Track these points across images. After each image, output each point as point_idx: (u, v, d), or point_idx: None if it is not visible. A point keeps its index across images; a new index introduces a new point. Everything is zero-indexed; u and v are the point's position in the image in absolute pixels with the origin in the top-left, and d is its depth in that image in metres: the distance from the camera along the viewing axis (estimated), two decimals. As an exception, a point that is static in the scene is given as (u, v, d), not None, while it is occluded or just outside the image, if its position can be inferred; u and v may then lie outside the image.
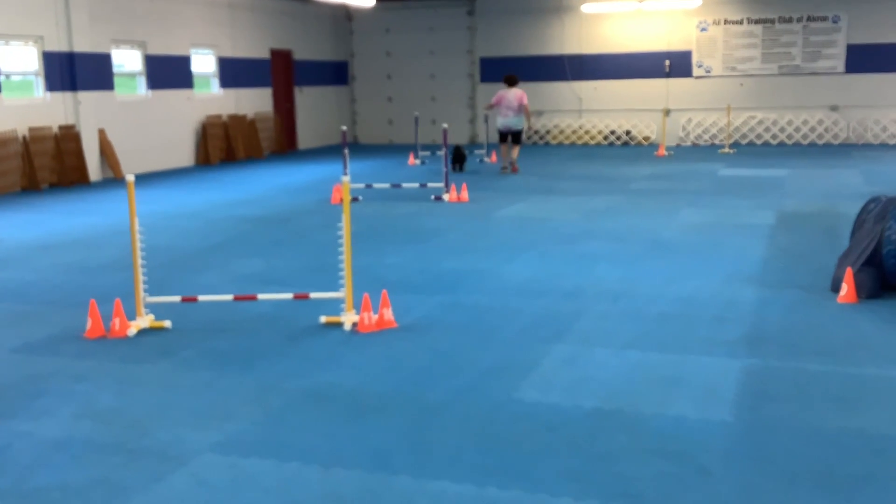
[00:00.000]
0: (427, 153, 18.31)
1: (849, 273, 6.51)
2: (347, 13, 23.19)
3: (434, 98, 22.73)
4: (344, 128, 13.00)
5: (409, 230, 10.08)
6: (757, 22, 19.80)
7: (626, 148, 20.57)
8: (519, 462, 3.94)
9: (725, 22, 20.03)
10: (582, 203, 11.89)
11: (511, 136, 15.49)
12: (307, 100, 21.93)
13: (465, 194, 12.34)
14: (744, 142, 20.27)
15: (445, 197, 12.29)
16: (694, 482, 3.73)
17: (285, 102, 21.26)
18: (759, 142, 20.14)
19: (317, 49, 22.32)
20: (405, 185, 12.99)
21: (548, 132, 21.95)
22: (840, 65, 19.27)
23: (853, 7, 19.06)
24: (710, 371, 5.12)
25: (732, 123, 20.06)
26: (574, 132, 21.75)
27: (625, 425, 4.35)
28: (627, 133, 21.31)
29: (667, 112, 20.57)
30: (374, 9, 22.22)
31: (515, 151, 15.56)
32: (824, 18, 19.30)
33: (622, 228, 9.92)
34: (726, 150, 18.88)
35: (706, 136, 20.64)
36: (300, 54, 21.65)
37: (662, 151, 18.57)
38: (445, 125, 13.12)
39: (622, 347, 5.60)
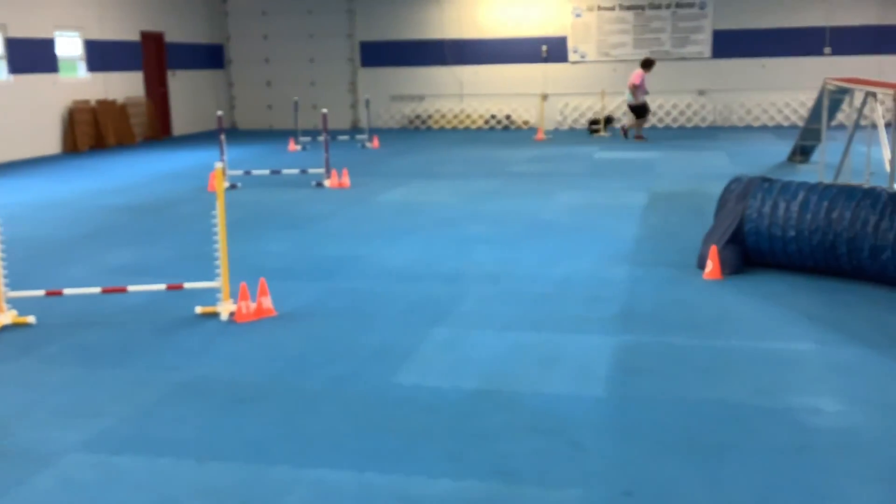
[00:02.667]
0: (308, 139, 18.07)
1: (713, 251, 6.80)
2: (222, -5, 22.59)
3: (314, 83, 22.42)
4: (220, 113, 12.66)
5: (290, 217, 9.93)
6: (628, 8, 20.39)
7: (506, 132, 20.87)
8: (398, 446, 3.95)
9: (599, 8, 20.54)
10: (463, 186, 11.99)
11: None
12: (181, 84, 21.26)
13: (346, 180, 12.25)
14: (618, 125, 20.88)
15: (326, 183, 12.17)
16: (567, 456, 3.84)
17: (158, 87, 20.54)
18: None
19: (190, 31, 21.64)
20: (285, 171, 12.79)
21: (429, 117, 22.02)
22: (707, 50, 20.08)
23: (721, -5, 19.94)
24: (585, 349, 5.26)
25: (607, 107, 20.63)
26: (455, 116, 21.89)
27: (503, 405, 4.43)
28: (507, 117, 21.61)
29: (545, 96, 20.96)
30: (250, -10, 21.74)
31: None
32: (691, 5, 20.06)
33: (502, 211, 10.06)
34: (602, 133, 19.40)
35: (583, 120, 21.15)
36: (172, 37, 20.94)
37: (541, 135, 18.93)
38: (325, 110, 12.96)
39: (501, 329, 5.69)
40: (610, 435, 4.06)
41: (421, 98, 22.04)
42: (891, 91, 7.24)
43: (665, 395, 4.53)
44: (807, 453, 3.83)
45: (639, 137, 17.58)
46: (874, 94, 8.83)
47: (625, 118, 19.07)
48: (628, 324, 5.73)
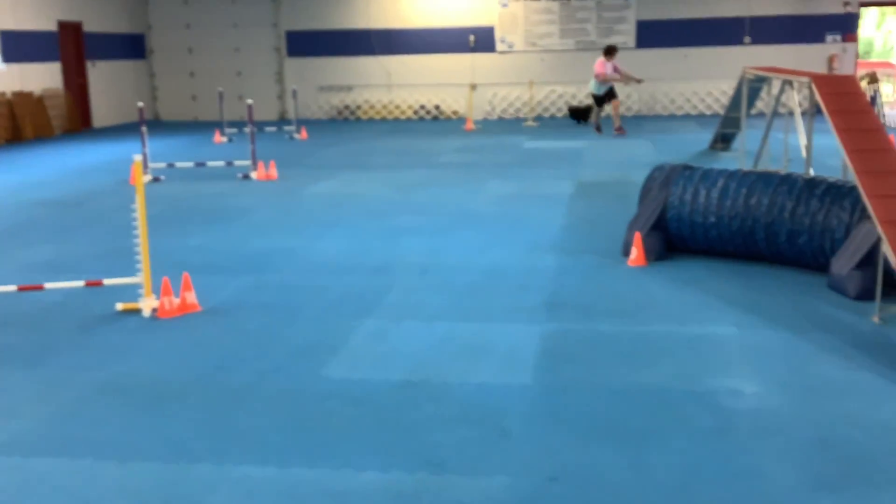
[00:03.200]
0: (234, 130, 17.78)
1: (637, 238, 6.91)
2: (142, -17, 22.02)
3: (240, 73, 22.04)
4: (140, 104, 12.35)
5: (215, 210, 9.75)
6: (555, -1, 20.58)
7: (435, 122, 20.86)
8: (325, 440, 3.92)
9: (525, -2, 20.68)
10: (392, 177, 11.94)
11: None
12: (101, 75, 20.67)
13: (273, 172, 12.09)
14: (546, 115, 21.05)
15: (253, 175, 11.99)
16: (495, 445, 3.86)
17: (77, 78, 19.92)
18: (560, 115, 20.97)
19: (110, 21, 21.04)
20: (210, 163, 12.55)
21: (358, 107, 21.87)
22: (631, 40, 20.36)
23: (641, -14, 20.23)
24: (513, 337, 5.30)
25: (535, 97, 20.78)
26: (384, 107, 21.78)
27: (431, 395, 4.43)
28: (437, 107, 21.60)
29: (473, 87, 21.00)
30: (172, -21, 21.23)
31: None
32: (616, -4, 20.36)
33: (431, 201, 10.06)
34: (530, 123, 19.54)
35: (511, 110, 21.27)
36: (91, 26, 20.33)
37: (470, 125, 18.96)
38: (250, 101, 12.76)
39: (430, 319, 5.69)
40: (537, 422, 4.10)
41: (349, 88, 21.87)
42: (806, 79, 7.45)
43: (591, 381, 4.59)
44: (727, 435, 3.92)
45: (599, 127, 17.05)
46: (790, 83, 9.08)
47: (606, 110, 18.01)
48: (555, 312, 5.79)
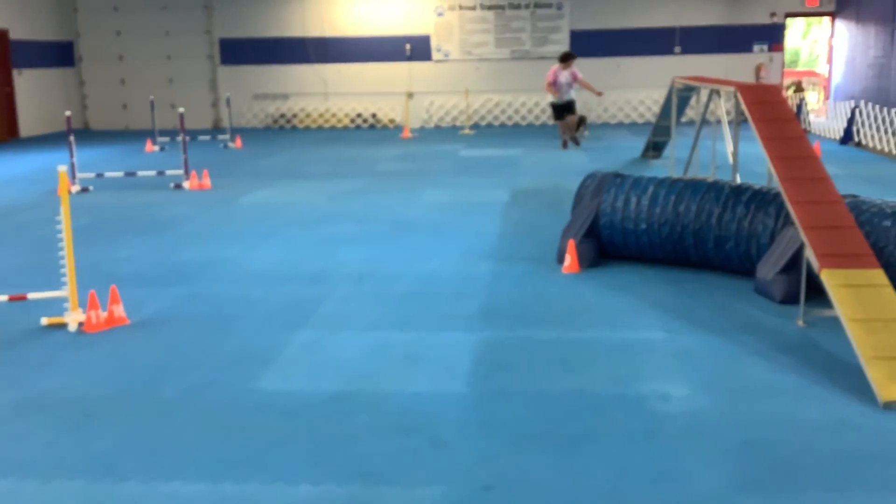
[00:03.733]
0: (166, 139, 17.48)
1: (571, 245, 6.99)
2: (70, -11, 21.52)
3: (172, 80, 21.67)
4: (68, 113, 12.06)
5: (146, 221, 9.56)
6: (489, 8, 20.70)
7: (372, 130, 20.82)
8: (256, 454, 3.87)
9: (460, 7, 20.75)
10: (328, 186, 11.87)
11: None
12: (28, 83, 20.12)
13: (206, 181, 11.91)
14: (482, 123, 21.17)
15: (185, 184, 11.79)
16: (429, 454, 3.86)
17: (3, 86, 19.36)
18: (496, 123, 21.12)
19: (37, 28, 20.50)
20: (141, 173, 12.30)
21: (294, 116, 21.69)
22: (565, 49, 20.58)
23: (574, -4, 20.53)
24: (448, 346, 5.30)
25: (471, 106, 20.88)
26: (321, 115, 21.65)
27: (365, 405, 4.41)
28: (374, 116, 21.55)
29: (410, 95, 21.02)
30: (101, -15, 20.79)
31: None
32: (549, 6, 20.55)
33: (367, 210, 10.02)
34: (467, 131, 19.63)
35: (448, 118, 21.34)
36: (17, 33, 19.78)
37: (407, 133, 18.97)
38: (181, 109, 12.55)
39: (365, 329, 5.66)
40: (471, 430, 4.11)
41: (285, 97, 21.68)
42: (731, 89, 7.63)
43: (525, 388, 4.62)
44: (657, 438, 3.99)
45: (566, 143, 15.62)
46: (717, 92, 9.30)
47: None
48: (490, 319, 5.81)
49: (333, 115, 21.65)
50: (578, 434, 4.04)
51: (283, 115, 21.74)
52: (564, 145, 15.61)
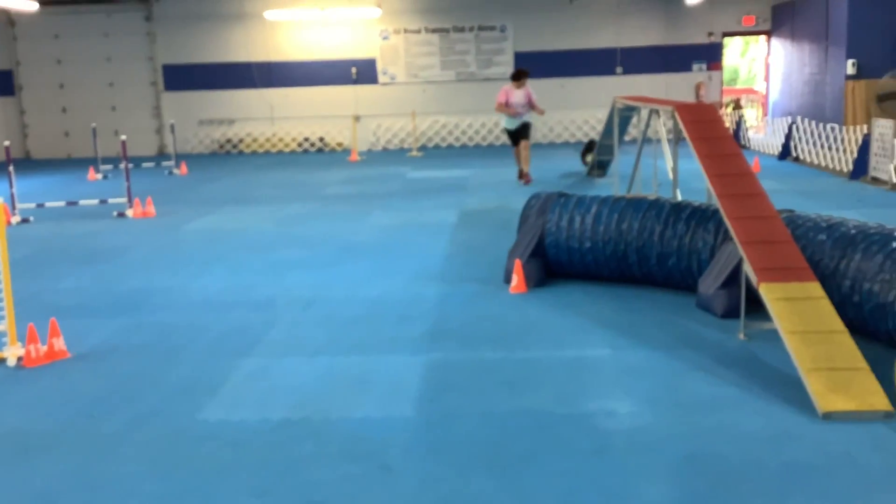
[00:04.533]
0: (109, 167, 17.22)
1: (517, 265, 7.05)
2: (9, 18, 21.12)
3: (115, 108, 21.39)
4: (7, 143, 11.83)
5: (88, 250, 9.39)
6: (434, 31, 20.84)
7: (320, 154, 20.76)
8: (202, 486, 3.81)
9: (405, 31, 20.86)
10: (275, 211, 11.80)
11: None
12: (-35, 112, 19.70)
13: (151, 209, 11.75)
14: (430, 145, 21.26)
15: (129, 212, 11.63)
16: (377, 480, 3.84)
17: (-62, 115, 18.92)
18: (443, 144, 21.22)
19: (-26, 56, 20.11)
20: (83, 202, 12.10)
21: (240, 141, 21.55)
22: (509, 71, 20.67)
23: (517, 17, 20.67)
24: (396, 369, 5.30)
25: (419, 128, 20.97)
26: (268, 140, 21.54)
27: (312, 433, 4.37)
28: (321, 139, 21.51)
29: (357, 118, 21.04)
30: (40, 13, 20.42)
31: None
32: (493, 28, 20.78)
33: (315, 234, 9.98)
34: (414, 153, 19.69)
35: (396, 141, 21.39)
36: (-47, 61, 19.38)
37: (355, 156, 18.96)
38: (123, 137, 12.38)
39: (312, 354, 5.63)
40: (419, 454, 4.10)
41: (231, 122, 21.53)
42: (669, 108, 7.79)
43: (472, 409, 4.63)
44: (604, 455, 4.02)
45: (522, 176, 13.83)
46: (657, 111, 9.48)
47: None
48: (438, 341, 5.82)
49: (280, 140, 21.56)
50: (526, 454, 4.06)
51: (229, 141, 21.58)
52: (521, 177, 13.84)
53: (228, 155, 21.16)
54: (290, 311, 6.70)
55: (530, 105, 13.82)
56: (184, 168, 17.12)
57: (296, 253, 8.92)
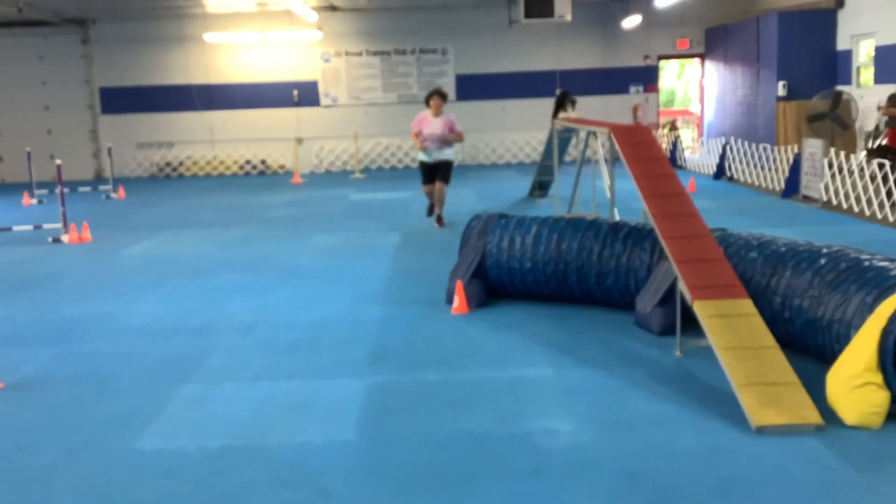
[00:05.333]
0: (45, 191, 16.86)
1: (459, 286, 7.08)
2: (-61, 39, 20.66)
3: (51, 131, 20.98)
4: (-64, 168, 11.50)
5: (21, 277, 9.17)
6: (375, 54, 20.93)
7: (262, 177, 20.62)
8: (137, 517, 3.74)
9: (346, 54, 20.91)
10: (216, 235, 11.67)
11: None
12: None
13: (87, 234, 11.53)
14: (373, 167, 21.27)
15: (64, 238, 11.38)
16: (317, 506, 3.81)
17: None
18: (386, 166, 21.25)
19: None
20: (17, 227, 11.82)
21: (180, 164, 21.28)
22: (451, 93, 20.99)
23: (458, 40, 20.88)
24: (337, 393, 5.27)
25: (361, 150, 20.97)
26: (209, 163, 21.32)
27: (252, 459, 4.32)
28: (263, 162, 21.37)
29: (299, 140, 20.96)
30: (-29, 35, 20.03)
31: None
32: (434, 51, 20.95)
33: (257, 258, 9.90)
34: (357, 175, 19.68)
35: (338, 163, 21.35)
36: None
37: (297, 179, 18.88)
38: (59, 161, 12.15)
39: (252, 380, 5.57)
40: (360, 478, 4.08)
41: (170, 145, 21.27)
42: (606, 130, 7.93)
43: (414, 431, 4.62)
44: (543, 474, 4.05)
45: (436, 217, 11.68)
46: (594, 133, 9.65)
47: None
48: (380, 364, 5.81)
49: (221, 163, 21.36)
50: (467, 475, 4.07)
51: (168, 164, 21.31)
52: (431, 214, 11.81)
53: (168, 178, 20.88)
54: (229, 336, 6.62)
55: (450, 134, 11.17)
56: (121, 192, 16.84)
57: (236, 277, 8.82)
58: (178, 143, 21.30)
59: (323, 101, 21.16)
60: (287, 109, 21.21)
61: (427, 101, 11.36)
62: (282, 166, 21.40)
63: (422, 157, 11.49)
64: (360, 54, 20.95)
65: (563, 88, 11.34)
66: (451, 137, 11.25)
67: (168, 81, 20.99)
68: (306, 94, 21.15)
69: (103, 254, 10.47)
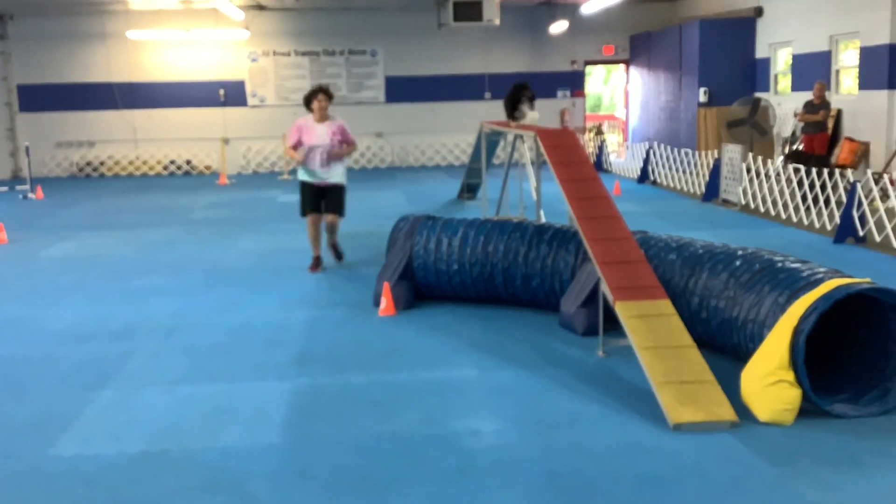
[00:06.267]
0: (-43, 191, 16.25)
1: (386, 287, 7.07)
2: None
3: (-36, 129, 20.25)
4: None
5: (-70, 280, 8.83)
6: (304, 54, 20.76)
7: (187, 177, 20.24)
8: (51, 525, 3.64)
9: (274, 53, 20.69)
10: (138, 237, 11.41)
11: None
12: None
13: (3, 235, 11.15)
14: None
15: (-22, 239, 10.99)
16: (239, 511, 3.76)
17: None
18: (316, 168, 21.11)
19: None
20: (-74, 228, 11.36)
21: (102, 163, 20.75)
22: (381, 95, 20.95)
23: (387, 42, 20.86)
24: (261, 396, 5.21)
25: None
26: (131, 163, 20.84)
27: (172, 465, 4.25)
28: (188, 162, 20.98)
29: (226, 141, 20.66)
30: None
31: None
32: (363, 52, 20.88)
33: (180, 260, 9.71)
34: (285, 176, 19.49)
35: (266, 164, 21.10)
36: None
37: (224, 180, 18.59)
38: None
39: (173, 384, 5.47)
40: (284, 482, 4.05)
41: (91, 144, 20.72)
42: (532, 133, 8.03)
43: (339, 434, 4.61)
44: (467, 475, 4.08)
45: (319, 262, 8.84)
46: (521, 136, 9.75)
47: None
48: (305, 366, 5.77)
49: (145, 163, 20.91)
50: (391, 477, 4.07)
51: (89, 164, 20.76)
52: (316, 265, 8.75)
53: (88, 178, 20.34)
54: (150, 340, 6.49)
55: (341, 146, 8.57)
56: (39, 192, 16.34)
57: (158, 280, 8.65)
58: (99, 142, 20.78)
59: (250, 101, 20.90)
60: (213, 109, 20.88)
61: (308, 103, 8.62)
62: (208, 167, 21.05)
63: (303, 175, 8.67)
64: (288, 54, 20.76)
65: (519, 81, 9.24)
66: (343, 151, 8.59)
67: (89, 79, 20.46)
68: (233, 94, 20.86)
69: (20, 255, 10.14)
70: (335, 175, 8.71)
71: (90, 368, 5.80)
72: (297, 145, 8.62)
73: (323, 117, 8.63)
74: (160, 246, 10.67)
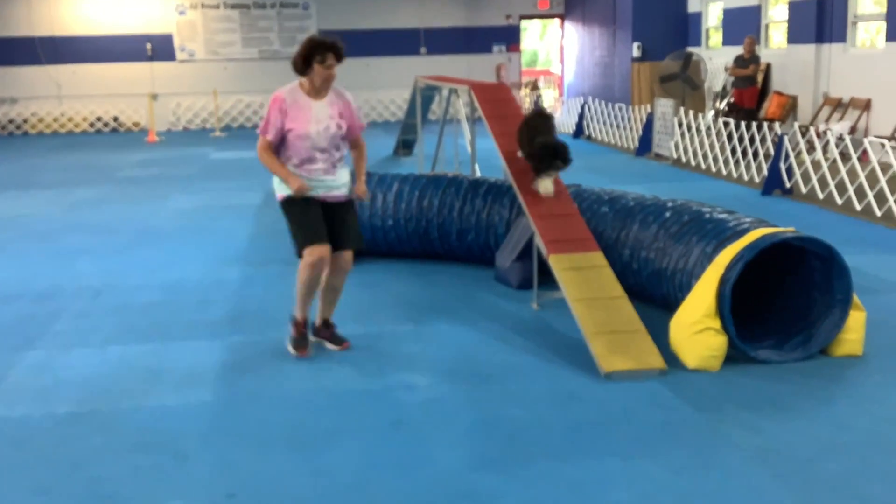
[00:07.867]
0: None
1: (320, 244, 6.99)
2: None
3: None
4: None
5: None
6: (234, 7, 20.25)
7: (115, 135, 19.69)
8: (-26, 490, 3.55)
9: (203, 6, 20.13)
10: (63, 196, 11.09)
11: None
12: None
13: (-82, 195, 10.73)
14: (234, 125, 20.69)
15: None
16: (171, 470, 3.72)
17: None
18: (248, 125, 20.70)
19: None
20: None
21: (25, 121, 20.05)
22: (315, 50, 20.60)
23: (321, -4, 20.56)
24: (194, 354, 5.14)
25: (221, 107, 20.34)
26: (55, 120, 20.18)
27: (101, 425, 4.17)
28: (115, 119, 20.41)
29: (154, 97, 20.12)
30: None
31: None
32: (295, 5, 20.46)
33: (108, 219, 9.48)
34: (217, 133, 19.11)
35: (197, 121, 20.64)
36: None
37: (153, 137, 18.15)
38: None
39: (102, 344, 5.36)
40: (216, 440, 4.01)
41: (13, 101, 19.98)
42: (466, 87, 7.98)
43: (272, 391, 4.58)
44: (402, 428, 4.10)
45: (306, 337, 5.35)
46: (456, 91, 9.70)
47: None
48: (238, 324, 5.70)
49: (70, 120, 20.27)
50: (326, 432, 4.06)
51: (11, 121, 20.04)
52: (304, 341, 5.22)
53: (11, 136, 19.65)
54: (77, 300, 6.34)
55: (344, 142, 5.29)
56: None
57: (85, 239, 8.43)
58: (21, 98, 20.05)
59: (179, 55, 20.36)
60: (140, 64, 20.30)
61: (305, 64, 5.13)
62: (136, 124, 20.51)
63: (284, 190, 5.17)
64: (217, 7, 20.23)
65: (557, 143, 6.02)
66: (362, 167, 5.45)
67: (9, 33, 19.67)
68: (160, 48, 20.30)
69: (-63, 216, 9.78)
70: (343, 182, 5.26)
71: (15, 330, 5.65)
72: (277, 142, 5.16)
73: (323, 91, 5.23)
74: (88, 205, 10.39)
